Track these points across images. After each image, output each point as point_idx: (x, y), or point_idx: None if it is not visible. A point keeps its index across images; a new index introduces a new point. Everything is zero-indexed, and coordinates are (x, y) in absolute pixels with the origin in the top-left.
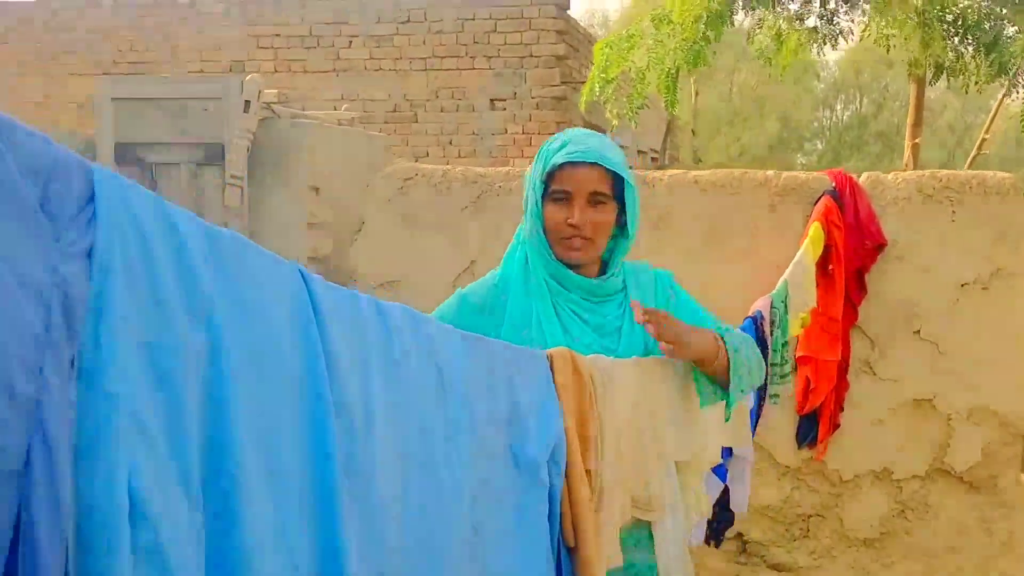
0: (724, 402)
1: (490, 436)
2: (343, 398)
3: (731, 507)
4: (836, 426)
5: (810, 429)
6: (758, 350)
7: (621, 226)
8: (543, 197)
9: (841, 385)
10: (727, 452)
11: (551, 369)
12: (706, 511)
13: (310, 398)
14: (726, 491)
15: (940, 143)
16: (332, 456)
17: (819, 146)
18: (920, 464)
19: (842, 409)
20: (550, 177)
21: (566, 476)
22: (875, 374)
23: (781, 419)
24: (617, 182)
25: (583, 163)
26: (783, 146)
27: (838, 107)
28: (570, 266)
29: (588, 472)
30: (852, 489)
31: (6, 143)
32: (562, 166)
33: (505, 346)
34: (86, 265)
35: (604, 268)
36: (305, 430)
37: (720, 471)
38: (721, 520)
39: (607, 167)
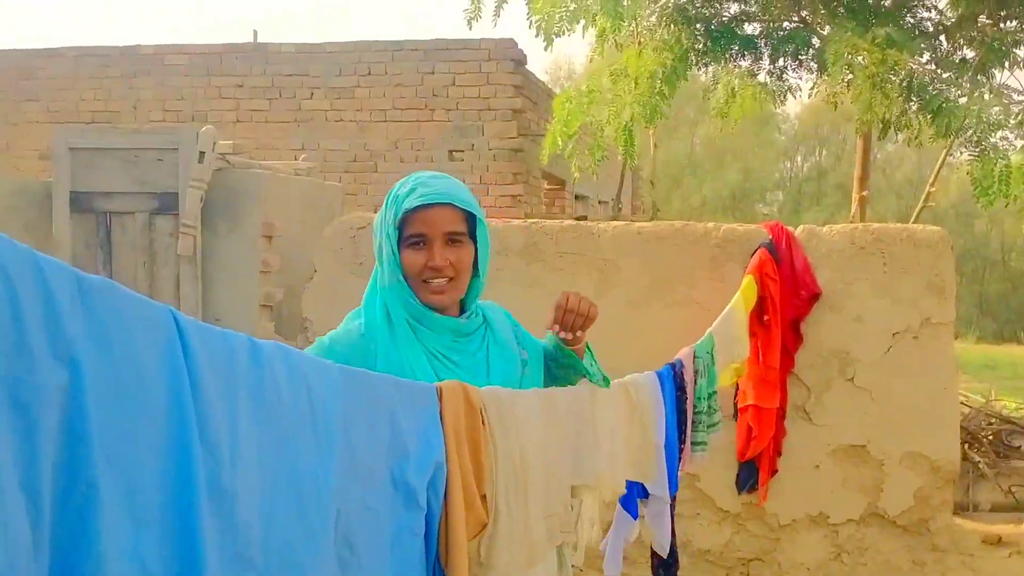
0: (632, 435)
1: (369, 463)
2: (208, 429)
3: (653, 547)
4: (774, 471)
5: (750, 475)
6: None
7: (474, 265)
8: (399, 243)
9: (779, 431)
10: (643, 491)
11: (440, 401)
12: (597, 539)
13: (174, 430)
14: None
15: (897, 195)
16: (194, 483)
17: (780, 197)
18: (855, 508)
19: (779, 455)
20: (404, 222)
21: (446, 502)
22: (811, 420)
23: (720, 466)
24: (470, 221)
25: (436, 204)
26: (744, 197)
27: (798, 159)
28: (432, 309)
29: (483, 498)
30: (790, 533)
31: None
32: (415, 209)
33: (390, 380)
34: None
35: (462, 309)
36: (167, 459)
37: (632, 509)
38: (665, 564)
39: (460, 206)
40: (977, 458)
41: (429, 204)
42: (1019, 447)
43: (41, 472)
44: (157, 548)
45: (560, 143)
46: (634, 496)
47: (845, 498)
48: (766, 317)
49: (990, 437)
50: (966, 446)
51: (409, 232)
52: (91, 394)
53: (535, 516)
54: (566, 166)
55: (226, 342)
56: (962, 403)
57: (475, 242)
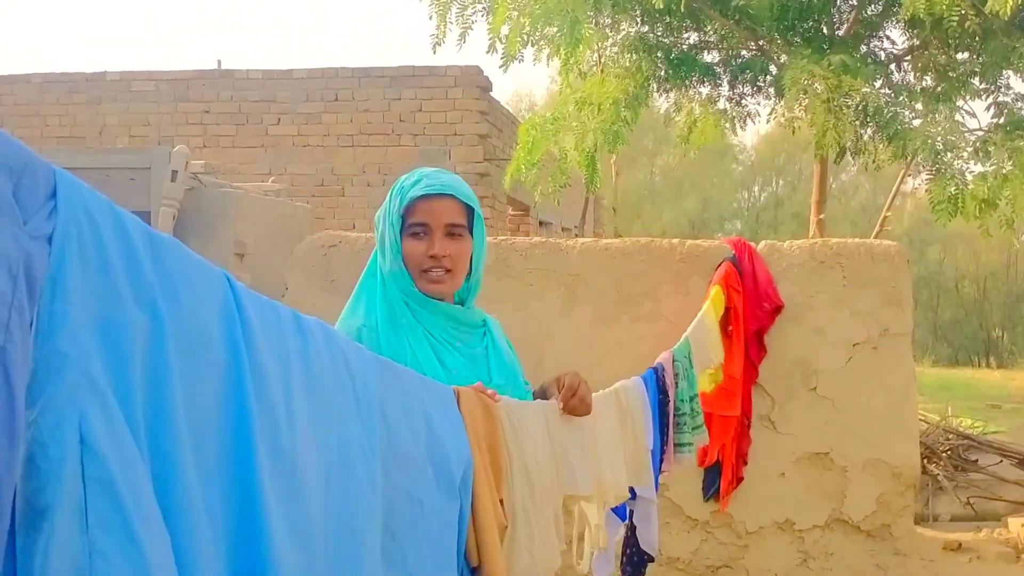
0: (626, 441)
1: (410, 449)
2: (265, 389)
3: (642, 547)
4: (739, 479)
5: (714, 481)
6: None
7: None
8: (401, 232)
9: (744, 440)
10: (631, 493)
11: (458, 403)
12: (603, 545)
13: (232, 387)
14: (635, 532)
15: (852, 223)
16: (251, 441)
17: (738, 226)
18: (820, 514)
19: (745, 463)
20: (407, 211)
21: (474, 499)
22: (776, 429)
23: (688, 473)
24: (470, 217)
25: (439, 195)
26: (703, 226)
27: (755, 189)
28: (432, 298)
29: (501, 501)
30: (757, 540)
31: None
32: (419, 199)
33: (414, 374)
34: (47, 247)
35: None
36: (227, 415)
37: (620, 511)
38: (633, 562)
39: (461, 199)
40: (936, 471)
41: (432, 195)
42: (976, 460)
43: (135, 407)
44: (220, 502)
45: (523, 170)
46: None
47: (810, 505)
48: (730, 328)
49: (948, 452)
50: (925, 460)
51: (412, 221)
52: (169, 341)
53: (549, 523)
54: (530, 192)
55: (274, 309)
56: (920, 420)
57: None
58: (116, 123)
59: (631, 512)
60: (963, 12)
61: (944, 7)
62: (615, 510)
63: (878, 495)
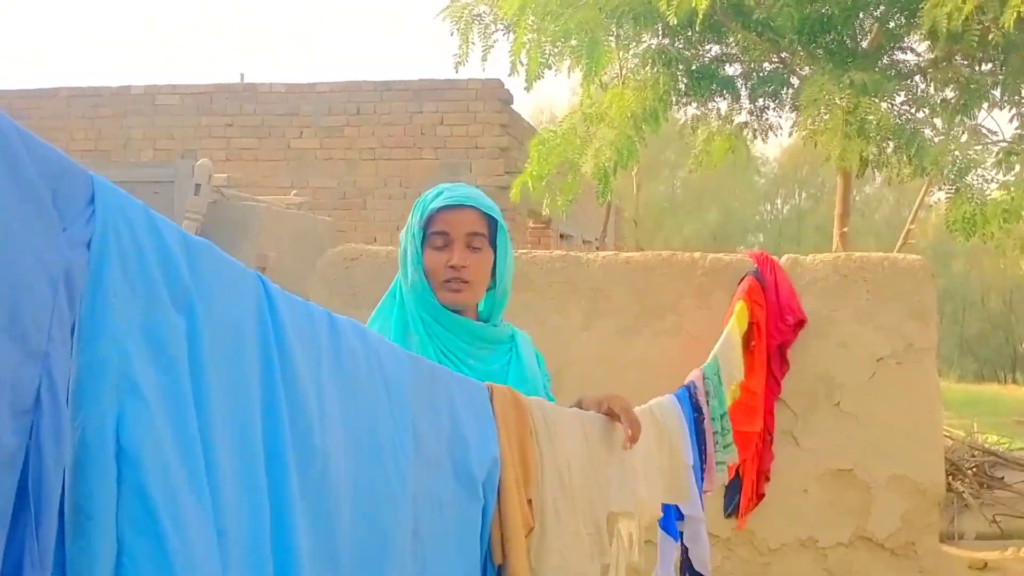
0: (662, 458)
1: (433, 447)
2: (296, 391)
3: (696, 567)
4: (760, 496)
5: (733, 498)
6: None
7: (493, 278)
8: (422, 244)
9: (766, 456)
10: (678, 512)
11: (491, 400)
12: (638, 560)
13: (264, 389)
14: (687, 554)
15: (876, 236)
16: (282, 441)
17: (760, 238)
18: (843, 532)
19: (768, 479)
20: (428, 223)
21: (500, 498)
22: (799, 445)
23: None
24: (492, 230)
25: (459, 206)
26: (725, 238)
27: (778, 201)
28: (452, 312)
29: (529, 501)
30: (779, 558)
31: (27, 151)
32: (439, 211)
33: (448, 372)
34: (86, 253)
35: (482, 321)
36: (260, 414)
37: (672, 530)
38: None
39: (482, 210)
40: (961, 488)
41: (452, 206)
42: (1002, 478)
43: (178, 413)
44: (247, 504)
45: (531, 186)
46: (672, 519)
47: (833, 522)
48: (752, 343)
49: (973, 469)
50: (950, 477)
51: (432, 231)
52: (205, 340)
53: (583, 529)
54: (542, 206)
55: (308, 310)
56: (945, 436)
57: (495, 253)
58: (140, 136)
59: (681, 533)
60: (984, 26)
61: (961, 22)
62: (668, 530)
63: (902, 512)
